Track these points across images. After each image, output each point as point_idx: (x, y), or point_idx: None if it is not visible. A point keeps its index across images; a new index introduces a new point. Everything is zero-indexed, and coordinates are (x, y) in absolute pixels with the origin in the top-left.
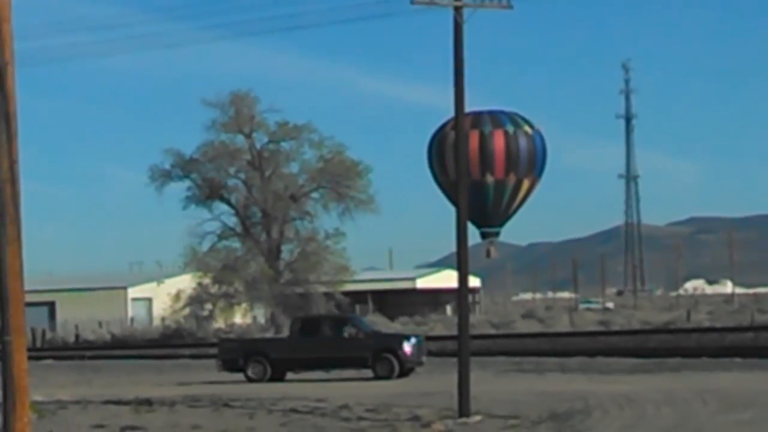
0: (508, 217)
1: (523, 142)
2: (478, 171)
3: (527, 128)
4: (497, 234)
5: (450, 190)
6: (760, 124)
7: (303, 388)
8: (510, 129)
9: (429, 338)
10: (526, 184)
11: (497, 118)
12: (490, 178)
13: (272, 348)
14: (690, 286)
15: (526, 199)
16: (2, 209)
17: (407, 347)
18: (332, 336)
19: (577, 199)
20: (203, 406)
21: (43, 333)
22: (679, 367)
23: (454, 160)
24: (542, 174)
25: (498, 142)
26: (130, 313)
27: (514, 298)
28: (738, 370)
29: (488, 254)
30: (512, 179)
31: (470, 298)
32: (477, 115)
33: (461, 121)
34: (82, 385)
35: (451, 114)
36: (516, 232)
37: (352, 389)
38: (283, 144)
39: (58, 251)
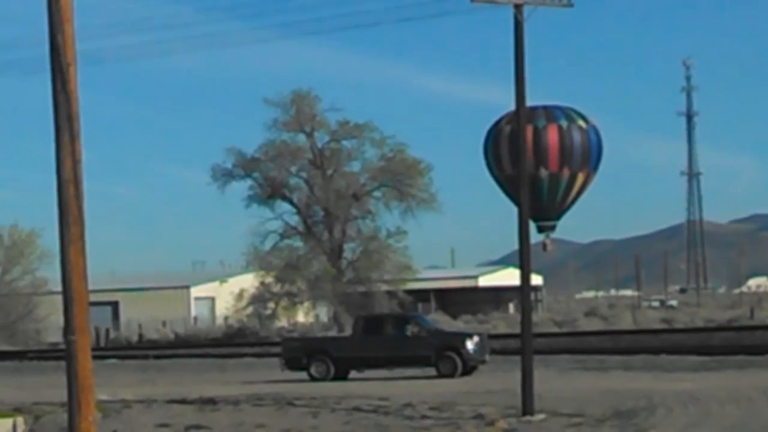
0: (563, 211)
1: (576, 136)
2: (533, 165)
3: (581, 122)
4: (553, 227)
5: (506, 184)
6: None
7: (366, 386)
8: (564, 123)
9: (492, 336)
10: (580, 177)
11: (551, 112)
12: (544, 172)
13: (335, 347)
14: (753, 283)
15: (582, 193)
16: (66, 209)
17: (470, 345)
18: (395, 334)
19: (638, 197)
20: (267, 405)
21: (107, 332)
22: (743, 364)
23: (511, 157)
24: (597, 168)
25: (552, 136)
26: (193, 313)
27: (577, 296)
28: None
29: (545, 247)
30: (566, 173)
31: (533, 296)
32: (531, 110)
33: (523, 118)
34: (146, 385)
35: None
36: (578, 229)
37: (415, 387)
38: (345, 143)
39: (121, 251)
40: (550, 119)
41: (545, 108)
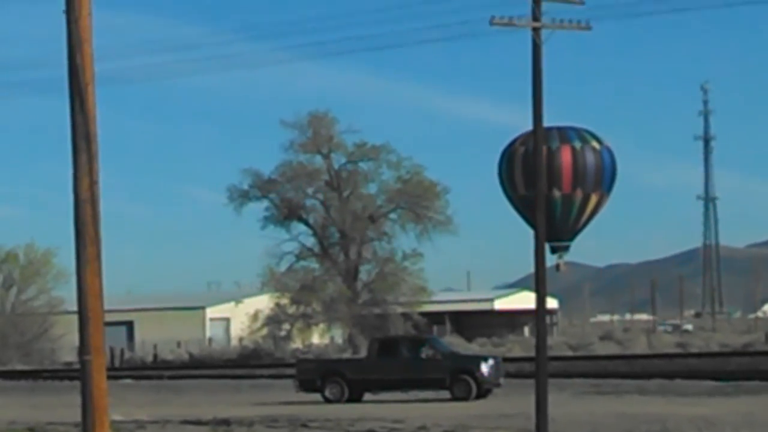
0: (577, 232)
1: (590, 157)
2: (546, 186)
3: (595, 144)
4: (567, 249)
5: (519, 205)
6: None
7: (380, 409)
8: (577, 145)
9: (507, 359)
10: (593, 199)
11: (565, 133)
12: (557, 193)
13: (350, 369)
14: None
15: (595, 215)
16: (82, 229)
17: (485, 368)
18: (410, 357)
19: (655, 221)
20: (281, 427)
21: (122, 352)
22: (759, 389)
23: (524, 178)
24: (611, 189)
25: (565, 157)
26: (208, 333)
27: (592, 320)
28: None
29: (558, 268)
30: (579, 194)
31: (548, 319)
32: (545, 131)
33: (540, 140)
34: (161, 405)
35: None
36: (594, 253)
37: (429, 410)
38: (361, 164)
39: (136, 271)
40: (563, 140)
41: (559, 129)
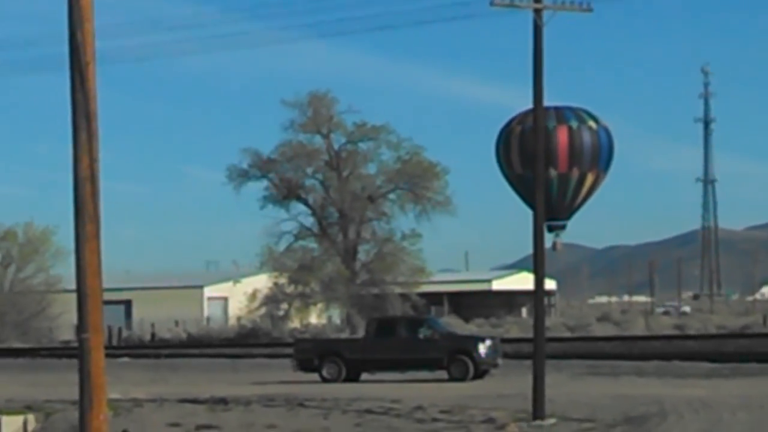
0: (573, 211)
1: (586, 136)
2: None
3: (591, 123)
4: (564, 227)
5: (516, 184)
6: None
7: (378, 388)
8: (574, 125)
9: (504, 340)
10: (590, 177)
11: (562, 113)
12: (553, 172)
13: (347, 348)
14: (767, 290)
15: (592, 193)
16: (82, 207)
17: (482, 349)
18: (407, 337)
19: (653, 203)
20: (278, 406)
21: (120, 331)
22: (756, 372)
23: (521, 157)
24: (608, 168)
25: (561, 137)
26: (206, 312)
27: (590, 301)
28: None
29: (554, 247)
30: (575, 173)
31: (546, 300)
32: (543, 111)
33: (540, 121)
34: (158, 384)
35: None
36: (593, 235)
37: (426, 390)
38: (361, 145)
39: (135, 250)
40: (560, 120)
41: (556, 109)
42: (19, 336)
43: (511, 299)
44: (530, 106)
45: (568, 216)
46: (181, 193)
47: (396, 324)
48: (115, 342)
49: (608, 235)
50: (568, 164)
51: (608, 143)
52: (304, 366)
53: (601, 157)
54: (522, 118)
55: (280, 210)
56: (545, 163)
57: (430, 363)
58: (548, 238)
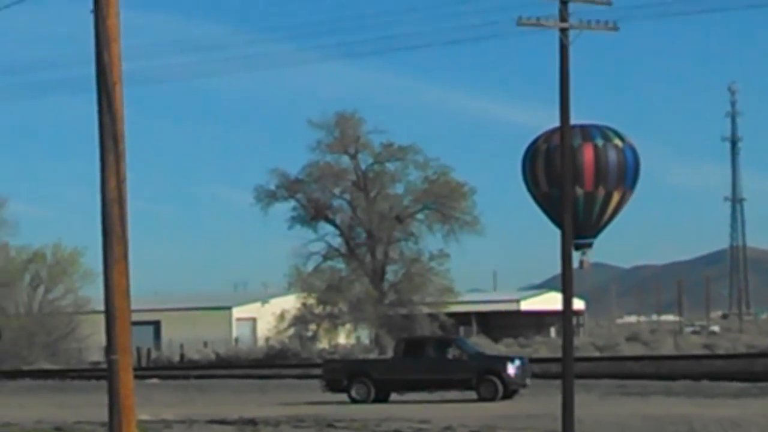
0: (600, 230)
1: (612, 155)
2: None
3: (617, 141)
4: (590, 245)
5: (543, 203)
6: None
7: (407, 409)
8: (599, 142)
9: (533, 360)
10: (616, 196)
11: (588, 131)
12: (579, 191)
13: (376, 369)
14: None
15: (618, 212)
16: (110, 229)
17: (511, 369)
18: (436, 357)
19: (681, 222)
20: (307, 427)
21: (149, 352)
22: None
23: (547, 175)
24: (634, 187)
25: (587, 155)
26: (234, 333)
27: (619, 321)
28: None
29: (581, 265)
30: (602, 192)
31: (574, 320)
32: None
33: (567, 140)
34: (187, 405)
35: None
36: (621, 254)
37: (455, 411)
38: (388, 165)
39: (163, 270)
40: (586, 138)
41: (582, 127)
42: (48, 357)
43: (539, 319)
44: (557, 124)
45: (595, 234)
46: (209, 214)
47: (424, 344)
48: (144, 363)
49: (636, 255)
50: (594, 182)
51: (634, 161)
52: (333, 387)
53: (627, 175)
54: (548, 136)
55: (307, 230)
56: (572, 181)
57: (458, 383)
58: (575, 257)
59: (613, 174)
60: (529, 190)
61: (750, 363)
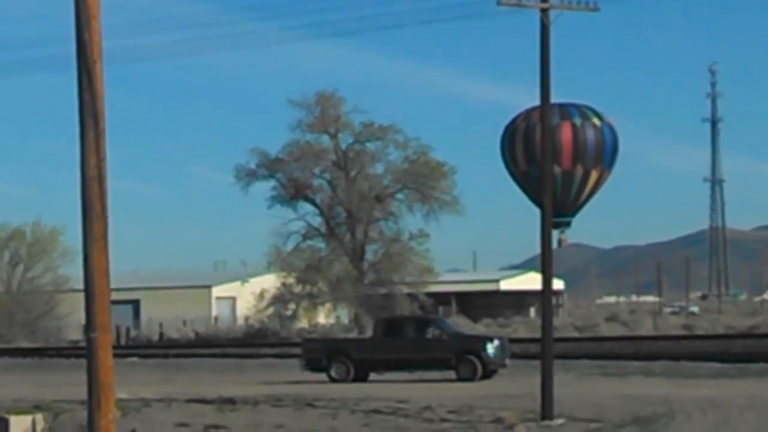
0: (578, 208)
1: (590, 133)
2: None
3: (596, 120)
4: (569, 224)
5: (521, 181)
6: None
7: (386, 388)
8: (578, 121)
9: (512, 340)
10: (594, 175)
11: (566, 110)
12: (557, 169)
13: (355, 348)
14: None
15: (596, 191)
16: (89, 207)
17: (490, 349)
18: (415, 337)
19: (661, 202)
20: (286, 406)
21: (128, 331)
22: (764, 372)
23: (525, 154)
24: (612, 166)
25: (565, 134)
26: (214, 312)
27: (598, 301)
28: None
29: (560, 244)
30: (579, 170)
31: (554, 300)
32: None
33: (547, 122)
34: (166, 384)
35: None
36: (600, 235)
37: (434, 390)
38: (369, 144)
39: (143, 249)
40: (564, 117)
41: (560, 106)
42: (27, 336)
43: (519, 299)
44: (537, 103)
45: (573, 213)
46: (189, 193)
47: (404, 324)
48: (123, 342)
49: (616, 235)
50: (572, 161)
51: (612, 140)
52: (312, 366)
53: (605, 154)
54: (526, 115)
55: (287, 210)
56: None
57: (438, 363)
58: (554, 235)
59: (591, 153)
60: (508, 168)
61: (729, 344)
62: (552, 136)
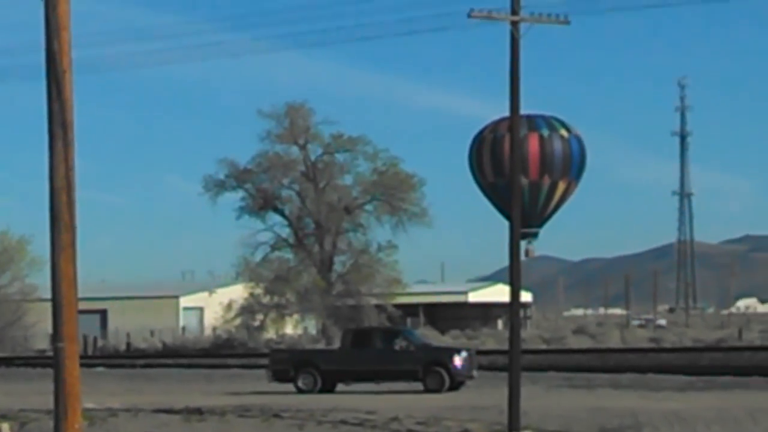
0: (545, 219)
1: (557, 145)
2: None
3: (563, 131)
4: (536, 235)
5: (488, 191)
6: None
7: (353, 400)
8: (545, 132)
9: (480, 352)
10: (561, 186)
11: (533, 121)
12: (524, 180)
13: (323, 359)
14: (742, 304)
15: (564, 201)
16: (57, 216)
17: (458, 361)
18: (383, 348)
19: (630, 215)
20: (253, 416)
21: (95, 340)
22: (731, 385)
23: (492, 165)
24: (580, 177)
25: (532, 145)
26: (181, 322)
27: (566, 314)
28: None
29: (527, 254)
30: (547, 181)
31: (521, 312)
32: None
33: (517, 135)
34: (133, 394)
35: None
36: (569, 247)
37: (402, 402)
38: (338, 156)
39: (111, 259)
40: (531, 128)
41: (528, 117)
42: None
43: (486, 311)
44: (506, 115)
45: (540, 224)
46: (158, 203)
47: (371, 335)
48: (90, 351)
49: (584, 248)
50: (539, 172)
51: (580, 152)
52: (280, 377)
53: (572, 165)
54: (494, 126)
55: (256, 221)
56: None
57: (405, 374)
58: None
59: (559, 164)
60: (476, 179)
61: (696, 357)
62: (519, 148)
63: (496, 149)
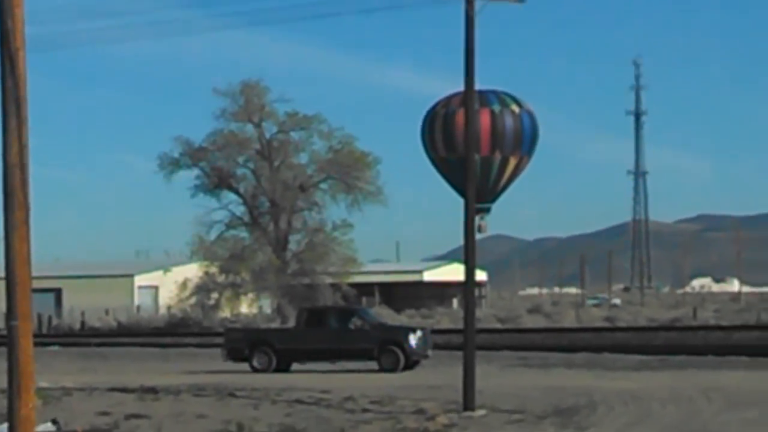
0: (497, 194)
1: (509, 120)
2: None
3: (514, 107)
4: (488, 210)
5: (441, 167)
6: None
7: (308, 379)
8: (496, 108)
9: (435, 331)
10: (512, 161)
11: (485, 97)
12: (476, 156)
13: (278, 338)
14: (697, 283)
15: (515, 177)
16: (11, 194)
17: (413, 340)
18: (338, 327)
19: (585, 195)
20: (208, 395)
21: (50, 319)
22: (685, 364)
23: (444, 140)
24: (532, 152)
25: (484, 120)
26: (136, 301)
27: (521, 293)
28: (744, 368)
29: (479, 229)
30: (498, 156)
31: (477, 291)
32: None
33: (472, 112)
34: (88, 372)
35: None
36: (523, 226)
37: (357, 381)
38: (293, 134)
39: (65, 238)
40: (483, 103)
41: (479, 93)
42: None
43: (442, 290)
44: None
45: (492, 199)
46: (113, 181)
47: (326, 314)
48: (44, 330)
49: (539, 227)
50: (491, 147)
51: (531, 127)
52: (234, 355)
53: (524, 141)
54: (446, 102)
55: (211, 199)
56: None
57: (360, 353)
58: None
59: (510, 139)
60: (428, 154)
61: (651, 336)
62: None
63: (448, 125)
